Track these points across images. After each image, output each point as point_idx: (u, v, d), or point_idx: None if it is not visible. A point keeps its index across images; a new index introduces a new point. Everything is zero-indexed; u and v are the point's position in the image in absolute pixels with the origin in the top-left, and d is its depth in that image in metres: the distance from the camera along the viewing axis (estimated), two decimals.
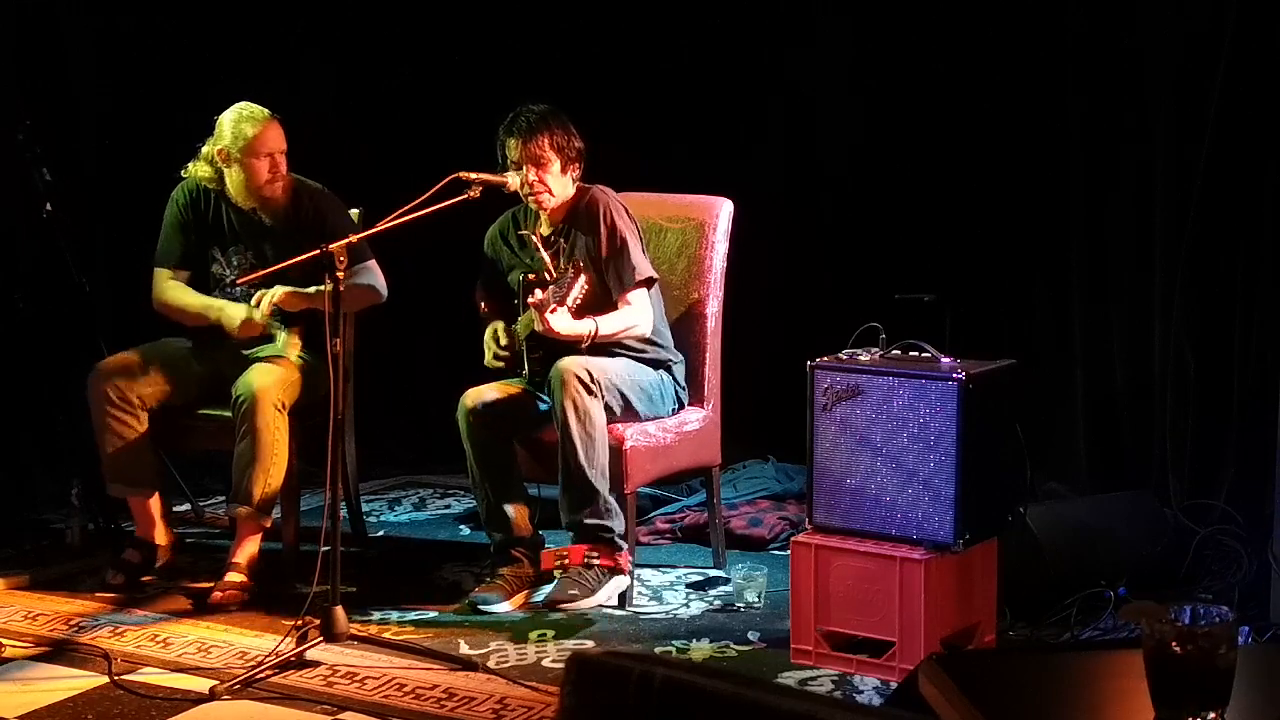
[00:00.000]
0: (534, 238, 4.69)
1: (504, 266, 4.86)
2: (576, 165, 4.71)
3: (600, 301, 4.65)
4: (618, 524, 4.56)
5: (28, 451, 5.82)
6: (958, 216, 5.53)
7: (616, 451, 4.58)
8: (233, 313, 4.88)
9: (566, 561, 4.51)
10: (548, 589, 4.65)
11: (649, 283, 4.70)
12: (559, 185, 4.68)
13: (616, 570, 4.55)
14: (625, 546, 4.59)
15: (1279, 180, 4.78)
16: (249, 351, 4.91)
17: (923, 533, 4.05)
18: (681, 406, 4.87)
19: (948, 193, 5.55)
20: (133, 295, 5.09)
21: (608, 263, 4.66)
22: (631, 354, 4.73)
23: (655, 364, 4.78)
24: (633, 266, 4.65)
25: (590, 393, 4.47)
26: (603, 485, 4.52)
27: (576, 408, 4.45)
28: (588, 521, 4.52)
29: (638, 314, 4.68)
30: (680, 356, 4.88)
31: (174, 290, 5.00)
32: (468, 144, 4.95)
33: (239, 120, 4.84)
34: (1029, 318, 5.43)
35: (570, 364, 4.49)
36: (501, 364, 4.80)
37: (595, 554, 4.51)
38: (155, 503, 4.97)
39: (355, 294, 4.81)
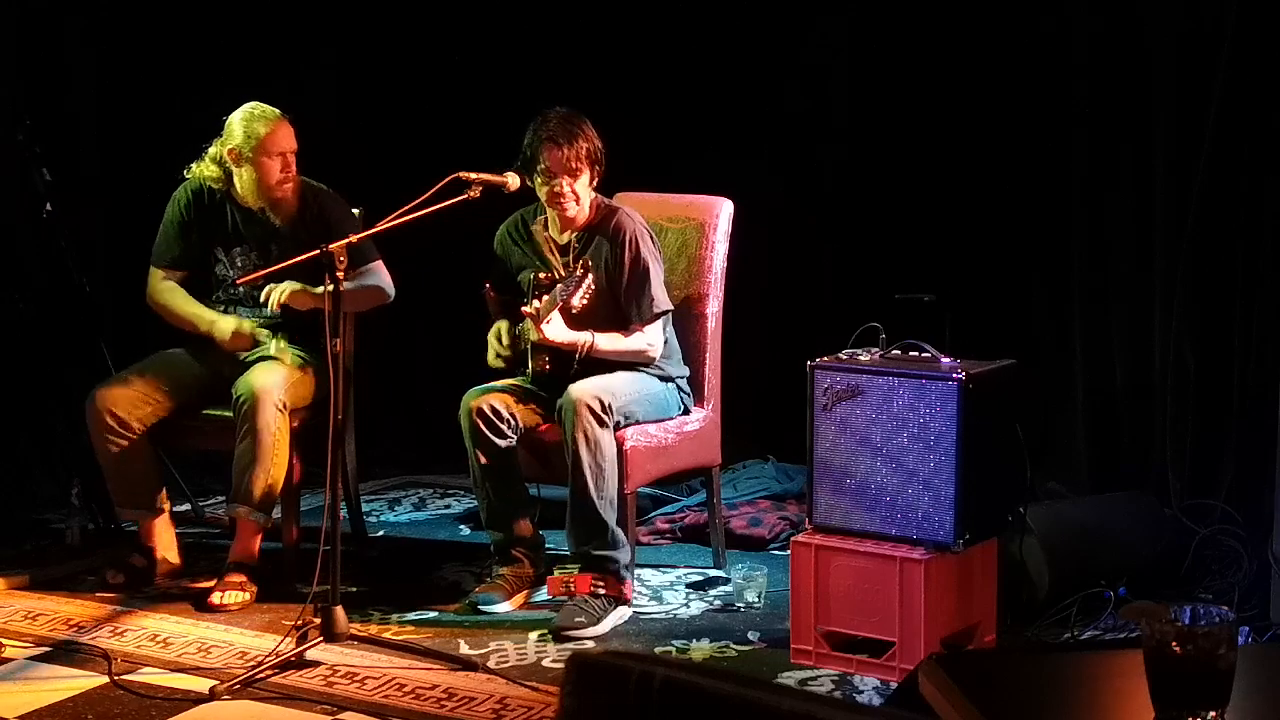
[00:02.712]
0: (546, 235, 4.68)
1: (513, 266, 4.86)
2: (600, 171, 4.72)
3: (608, 313, 4.66)
4: (624, 555, 4.56)
5: (28, 452, 5.81)
6: (957, 216, 5.52)
7: (617, 451, 4.57)
8: (224, 325, 4.87)
9: (573, 589, 4.50)
10: (544, 591, 4.66)
11: (664, 315, 4.70)
12: (586, 194, 4.68)
13: (621, 600, 4.54)
14: (629, 578, 4.59)
15: (1279, 180, 4.78)
16: (244, 356, 4.90)
17: (923, 533, 4.05)
18: (687, 413, 4.87)
19: (948, 192, 5.55)
20: (133, 296, 5.07)
21: (627, 290, 4.66)
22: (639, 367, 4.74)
23: (662, 378, 4.78)
24: (651, 298, 4.65)
25: (602, 424, 4.46)
26: (611, 516, 4.51)
27: (588, 438, 4.44)
28: (595, 553, 4.52)
29: (647, 342, 4.68)
30: (686, 370, 4.88)
31: (167, 293, 4.99)
32: (468, 144, 4.95)
33: (250, 120, 4.82)
34: (1029, 318, 5.43)
35: (581, 393, 4.48)
36: (502, 364, 4.80)
37: (601, 583, 4.49)
38: (164, 521, 4.95)
39: (362, 294, 4.83)
